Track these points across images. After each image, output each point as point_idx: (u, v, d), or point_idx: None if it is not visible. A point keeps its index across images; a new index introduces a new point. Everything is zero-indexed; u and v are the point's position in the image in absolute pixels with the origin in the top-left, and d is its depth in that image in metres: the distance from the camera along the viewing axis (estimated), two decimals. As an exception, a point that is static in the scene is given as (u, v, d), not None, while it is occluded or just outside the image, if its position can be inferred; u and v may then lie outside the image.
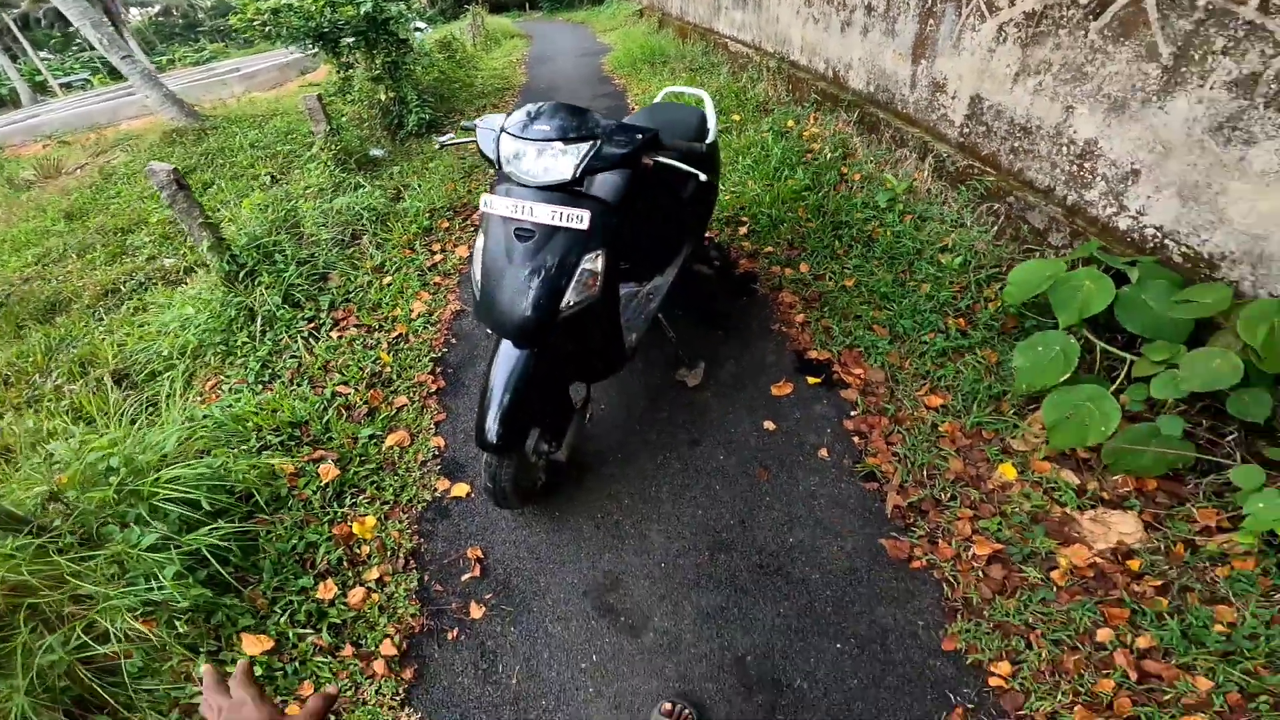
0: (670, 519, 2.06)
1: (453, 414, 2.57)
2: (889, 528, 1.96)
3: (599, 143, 1.59)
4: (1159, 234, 2.14)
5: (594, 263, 1.61)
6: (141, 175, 6.10)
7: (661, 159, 1.71)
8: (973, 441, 2.16)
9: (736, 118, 4.93)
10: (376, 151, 5.38)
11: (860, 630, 1.72)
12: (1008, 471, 2.03)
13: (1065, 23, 2.37)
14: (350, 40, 5.53)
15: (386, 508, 2.18)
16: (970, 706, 1.56)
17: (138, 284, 4.00)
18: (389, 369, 2.79)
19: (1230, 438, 1.81)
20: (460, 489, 2.24)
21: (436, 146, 2.09)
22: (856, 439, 2.25)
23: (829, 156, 3.87)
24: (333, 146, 4.79)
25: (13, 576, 1.73)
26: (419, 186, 4.56)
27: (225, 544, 1.92)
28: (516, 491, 1.89)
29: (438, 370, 2.81)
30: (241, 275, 3.22)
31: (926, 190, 3.23)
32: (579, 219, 1.55)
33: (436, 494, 2.23)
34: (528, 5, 21.28)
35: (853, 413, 2.34)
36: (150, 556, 1.80)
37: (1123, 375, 1.99)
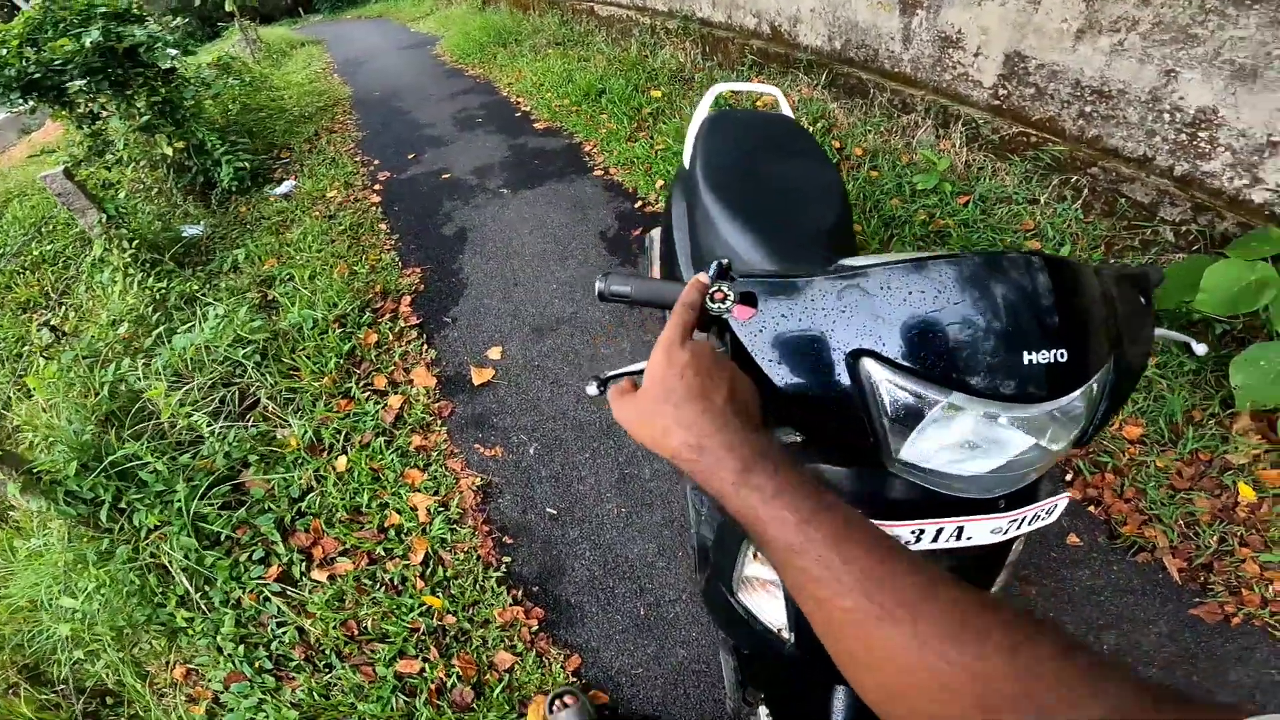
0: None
1: (586, 651, 1.74)
2: (1190, 595, 1.66)
3: (1118, 354, 0.62)
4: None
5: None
6: None
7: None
8: (1195, 469, 1.89)
9: (657, 94, 4.18)
10: (191, 229, 3.88)
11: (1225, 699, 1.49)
12: (1246, 492, 1.78)
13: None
14: (81, 84, 3.80)
15: None
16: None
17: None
18: (451, 615, 1.81)
19: None
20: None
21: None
22: (1092, 508, 1.86)
23: (809, 129, 3.33)
24: (121, 240, 3.29)
25: None
26: (296, 281, 3.09)
27: None
28: None
29: (524, 598, 1.83)
30: (104, 508, 2.02)
31: (965, 164, 2.84)
32: (1048, 511, 0.68)
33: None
34: (301, 10, 17.56)
35: (1068, 477, 1.94)
36: None
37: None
